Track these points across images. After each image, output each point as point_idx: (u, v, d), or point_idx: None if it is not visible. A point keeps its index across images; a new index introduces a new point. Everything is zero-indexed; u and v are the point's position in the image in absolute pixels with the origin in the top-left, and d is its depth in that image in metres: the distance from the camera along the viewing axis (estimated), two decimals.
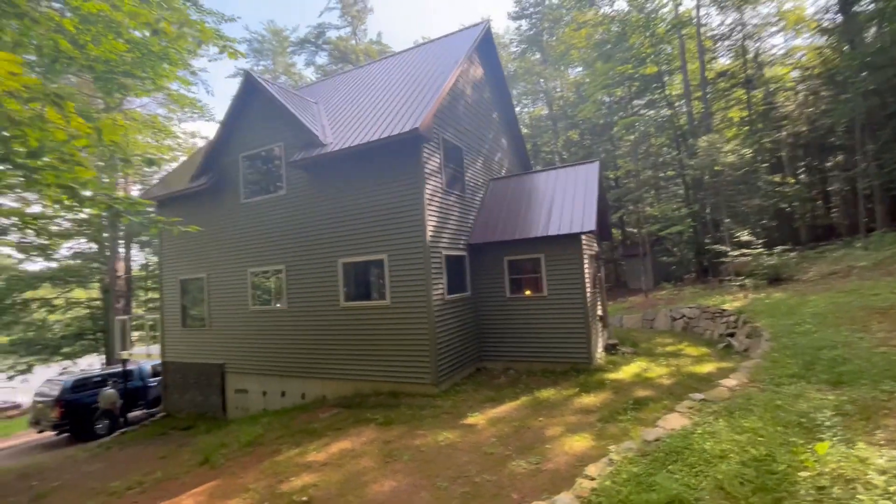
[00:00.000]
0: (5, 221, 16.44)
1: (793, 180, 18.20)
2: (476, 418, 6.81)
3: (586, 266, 9.40)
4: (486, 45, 12.02)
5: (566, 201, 9.95)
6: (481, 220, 10.59)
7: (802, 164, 19.22)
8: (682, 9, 22.98)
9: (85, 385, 13.82)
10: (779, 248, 12.53)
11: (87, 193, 5.87)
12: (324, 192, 9.61)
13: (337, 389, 9.29)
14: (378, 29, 69.39)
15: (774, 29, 22.74)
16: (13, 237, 20.25)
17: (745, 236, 13.39)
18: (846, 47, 16.66)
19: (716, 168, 15.14)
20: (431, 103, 8.55)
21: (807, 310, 8.55)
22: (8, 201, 17.96)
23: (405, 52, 13.17)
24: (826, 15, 19.89)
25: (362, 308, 9.06)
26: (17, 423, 20.48)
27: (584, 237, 9.30)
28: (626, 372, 8.85)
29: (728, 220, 14.20)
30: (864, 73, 14.51)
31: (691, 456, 3.86)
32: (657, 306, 15.05)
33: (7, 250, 22.78)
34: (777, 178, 17.31)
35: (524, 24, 32.89)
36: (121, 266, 29.58)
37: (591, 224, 9.06)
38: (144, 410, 14.97)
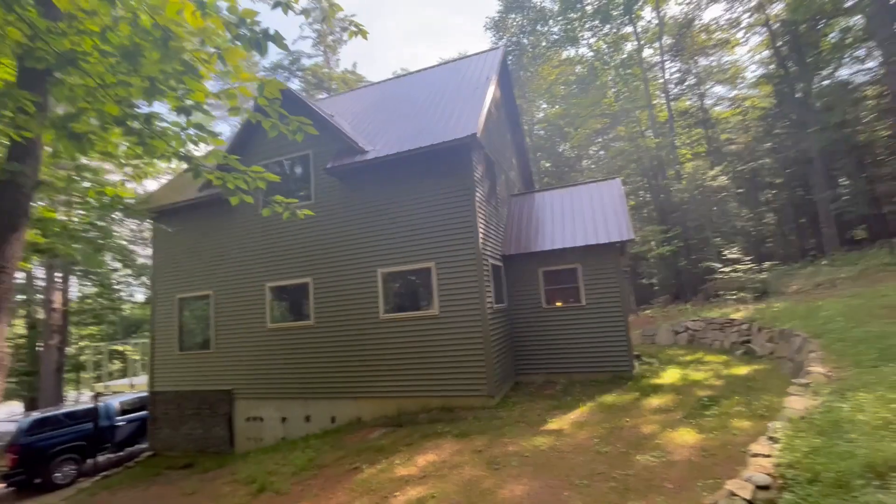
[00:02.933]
0: None
1: (765, 204, 20.22)
2: (557, 424, 6.58)
3: None
4: (502, 67, 12.49)
5: (596, 214, 10.27)
6: (512, 233, 10.65)
7: (767, 191, 21.39)
8: (645, 53, 25.39)
9: (44, 425, 11.87)
10: (767, 264, 13.69)
11: None
12: (359, 200, 9.27)
13: (375, 409, 8.65)
14: (353, 59, 70.28)
15: (723, 76, 25.65)
16: None
17: (732, 254, 14.45)
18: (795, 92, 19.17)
19: (695, 192, 16.43)
20: (480, 112, 8.67)
21: (824, 313, 9.24)
22: None
23: (422, 71, 13.38)
24: (769, 67, 22.77)
25: (406, 319, 8.64)
26: None
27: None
28: (669, 377, 9.01)
29: (717, 239, 15.39)
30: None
31: (854, 427, 3.94)
32: (655, 322, 15.64)
33: None
34: (743, 210, 19.16)
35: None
36: (58, 297, 26.34)
37: (629, 233, 9.38)
38: (108, 456, 13.01)
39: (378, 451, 6.48)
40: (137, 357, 16.81)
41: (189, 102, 3.38)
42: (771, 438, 4.14)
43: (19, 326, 28.35)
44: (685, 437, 5.49)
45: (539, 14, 25.93)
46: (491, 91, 9.74)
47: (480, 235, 8.41)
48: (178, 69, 3.13)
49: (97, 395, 12.20)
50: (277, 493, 5.70)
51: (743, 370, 8.96)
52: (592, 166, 30.78)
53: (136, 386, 11.79)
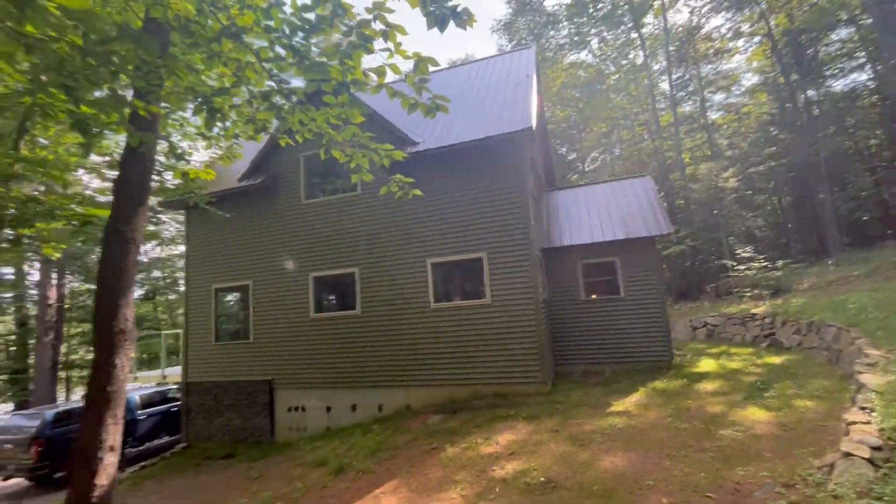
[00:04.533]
0: None
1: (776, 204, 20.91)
2: (621, 406, 6.81)
3: None
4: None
5: (632, 209, 10.58)
6: (548, 227, 10.89)
7: (770, 195, 22.15)
8: (649, 60, 26.05)
9: (69, 417, 11.65)
10: (781, 263, 14.24)
11: None
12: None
13: (424, 397, 8.77)
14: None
15: (724, 83, 26.46)
16: None
17: (746, 253, 14.97)
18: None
19: (710, 192, 16.96)
20: (531, 106, 8.90)
21: (852, 305, 9.68)
22: None
23: (453, 68, 13.57)
24: (770, 75, 23.58)
25: (457, 308, 8.79)
26: None
27: None
28: (706, 367, 9.33)
29: (731, 238, 15.94)
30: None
31: None
32: (671, 319, 16.06)
33: None
34: (749, 213, 19.84)
35: None
36: (52, 293, 25.67)
37: (667, 227, 9.70)
38: (128, 450, 12.80)
39: (450, 433, 6.61)
40: (161, 349, 16.52)
41: (348, 79, 3.50)
42: (863, 408, 4.42)
43: (8, 323, 27.65)
44: (756, 414, 5.76)
45: (548, 18, 26.45)
46: (535, 86, 9.99)
47: (532, 226, 8.62)
48: (354, 42, 3.25)
49: None
50: (361, 471, 5.79)
51: (776, 360, 9.33)
52: (593, 168, 31.38)
53: (168, 377, 11.64)
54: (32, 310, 25.19)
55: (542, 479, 4.55)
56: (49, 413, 11.69)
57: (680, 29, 25.89)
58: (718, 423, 5.56)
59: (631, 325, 9.77)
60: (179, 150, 5.41)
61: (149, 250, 31.75)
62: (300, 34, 3.35)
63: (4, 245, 6.12)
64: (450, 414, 7.85)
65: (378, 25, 3.30)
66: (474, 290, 8.82)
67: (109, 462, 3.74)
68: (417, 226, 9.23)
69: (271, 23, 3.47)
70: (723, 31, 25.48)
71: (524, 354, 8.25)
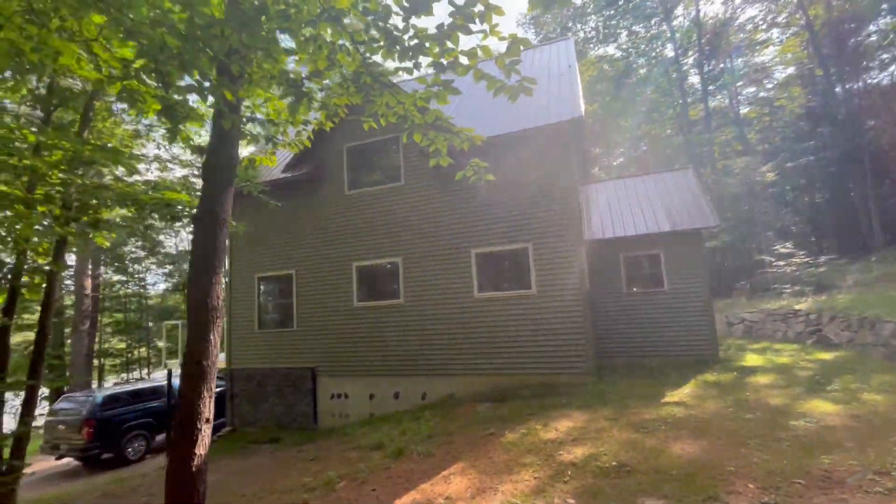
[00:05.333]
0: None
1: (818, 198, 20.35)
2: (675, 397, 6.76)
3: None
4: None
5: (675, 201, 10.44)
6: (587, 219, 10.82)
7: (798, 192, 21.62)
8: (680, 52, 25.55)
9: (118, 401, 12.09)
10: (824, 258, 13.88)
11: None
12: (452, 182, 9.43)
13: (468, 386, 8.84)
14: None
15: (758, 76, 25.79)
16: None
17: (785, 248, 14.63)
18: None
19: (737, 188, 16.61)
20: (578, 96, 8.85)
21: None
22: None
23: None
24: (807, 67, 22.91)
25: (502, 298, 8.82)
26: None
27: None
28: (754, 361, 9.20)
29: (770, 234, 15.61)
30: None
31: None
32: None
33: None
34: (785, 209, 19.32)
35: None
36: (88, 283, 26.50)
37: (714, 219, 9.55)
38: (166, 434, 13.21)
39: (503, 420, 6.66)
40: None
41: (444, 61, 3.54)
42: None
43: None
44: (823, 407, 5.67)
45: (577, 11, 26.17)
46: (578, 77, 9.91)
47: (579, 217, 8.59)
48: (456, 23, 3.29)
49: (170, 372, 12.37)
50: (422, 454, 5.87)
51: (827, 356, 9.14)
52: (617, 164, 30.96)
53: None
54: (68, 300, 26.01)
55: (615, 463, 4.56)
56: (99, 396, 12.14)
57: (711, 21, 25.33)
58: (785, 415, 5.49)
59: (675, 318, 9.67)
60: (253, 135, 5.54)
61: (178, 243, 32.59)
62: (401, 14, 3.39)
63: (81, 231, 6.33)
64: (497, 402, 7.89)
65: (479, 7, 3.34)
66: (519, 281, 8.83)
67: (206, 433, 3.89)
68: (462, 216, 9.28)
69: (368, 5, 3.54)
70: (757, 21, 24.88)
71: (571, 345, 8.24)
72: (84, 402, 11.83)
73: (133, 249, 30.03)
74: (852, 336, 9.75)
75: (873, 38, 21.22)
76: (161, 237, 28.90)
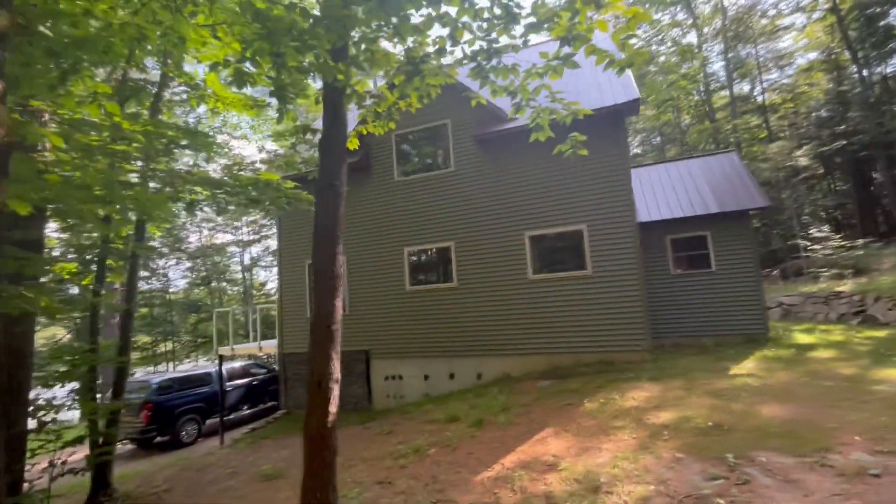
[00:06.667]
0: None
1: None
2: (742, 370, 6.92)
3: None
4: None
5: (721, 183, 10.54)
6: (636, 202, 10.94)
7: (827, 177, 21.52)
8: (702, 38, 25.39)
9: (171, 387, 12.49)
10: (861, 241, 13.89)
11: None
12: (503, 167, 9.61)
13: (523, 365, 9.05)
14: None
15: (781, 62, 25.58)
16: None
17: (821, 233, 14.64)
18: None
19: (771, 173, 16.61)
20: (631, 78, 8.96)
21: None
22: None
23: (534, 46, 13.61)
24: (835, 52, 22.70)
25: (557, 280, 9.00)
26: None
27: None
28: (806, 339, 9.32)
29: (806, 218, 15.63)
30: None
31: None
32: None
33: None
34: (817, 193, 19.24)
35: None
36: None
37: (762, 200, 9.65)
38: (215, 419, 13.61)
39: (573, 392, 6.86)
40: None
41: (572, 33, 3.72)
42: None
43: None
44: None
45: None
46: None
47: (632, 198, 8.73)
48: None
49: (221, 358, 12.73)
50: (505, 424, 6.10)
51: (879, 333, 9.24)
52: (640, 150, 30.90)
53: (263, 349, 12.31)
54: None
55: (710, 423, 4.76)
56: (155, 381, 12.58)
57: (735, 7, 25.14)
58: (863, 382, 5.64)
59: (723, 298, 9.80)
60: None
61: (202, 237, 33.05)
62: None
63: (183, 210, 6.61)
64: (558, 379, 8.09)
65: None
66: (574, 262, 8.99)
67: (336, 393, 4.13)
68: (514, 200, 9.45)
69: None
70: (781, 6, 24.64)
71: (628, 323, 8.41)
72: (140, 388, 12.25)
73: (157, 245, 30.55)
74: None
75: None
76: (184, 234, 29.34)
